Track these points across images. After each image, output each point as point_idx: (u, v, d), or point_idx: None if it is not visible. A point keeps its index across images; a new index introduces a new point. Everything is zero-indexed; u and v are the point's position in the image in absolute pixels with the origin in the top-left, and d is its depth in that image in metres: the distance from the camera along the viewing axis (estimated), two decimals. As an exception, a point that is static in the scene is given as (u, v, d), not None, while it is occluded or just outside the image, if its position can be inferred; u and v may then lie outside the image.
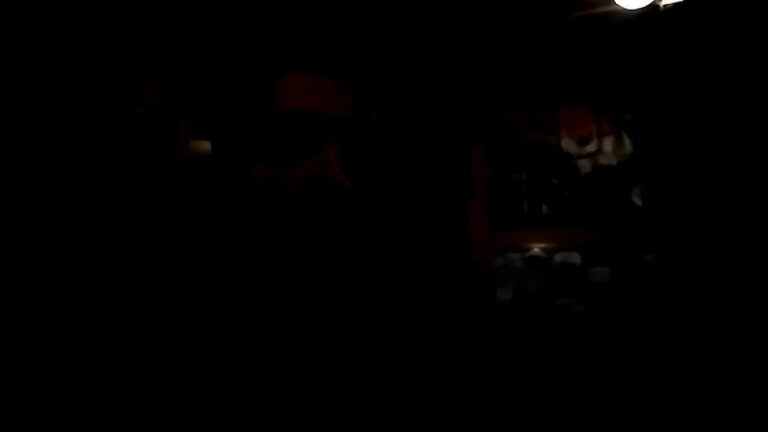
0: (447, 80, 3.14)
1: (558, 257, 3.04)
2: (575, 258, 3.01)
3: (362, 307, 0.85)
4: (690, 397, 2.58)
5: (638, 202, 2.94)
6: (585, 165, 3.06)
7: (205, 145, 2.17)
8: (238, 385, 0.64)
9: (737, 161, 2.75)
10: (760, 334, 2.56)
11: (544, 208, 3.10)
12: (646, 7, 2.52)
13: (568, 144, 3.10)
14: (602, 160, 3.04)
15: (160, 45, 2.03)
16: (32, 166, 1.75)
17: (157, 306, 0.66)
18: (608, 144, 3.04)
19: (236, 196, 0.68)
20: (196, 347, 0.64)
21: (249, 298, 0.70)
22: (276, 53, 0.72)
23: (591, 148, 3.06)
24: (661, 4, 2.50)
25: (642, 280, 2.86)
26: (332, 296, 0.79)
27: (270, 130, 0.66)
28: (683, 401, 2.59)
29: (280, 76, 0.69)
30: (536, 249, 3.08)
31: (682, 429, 2.55)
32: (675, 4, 2.49)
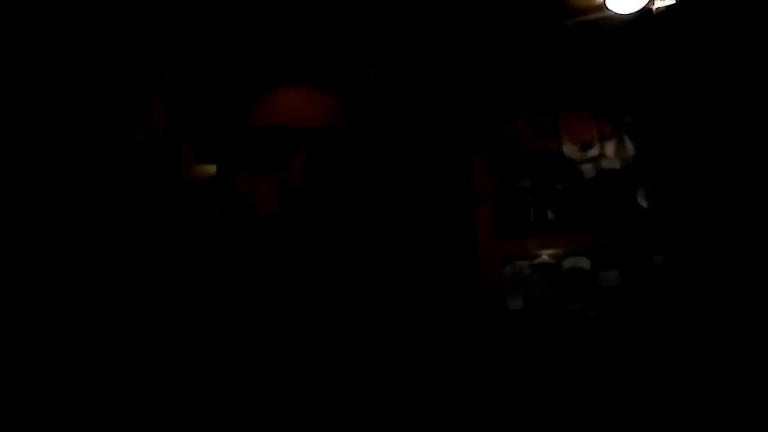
0: (447, 93, 3.17)
1: (567, 263, 3.03)
2: (584, 263, 3.00)
3: (373, 321, 0.86)
4: (702, 398, 2.55)
5: (643, 203, 2.93)
6: (588, 170, 3.07)
7: (211, 169, 2.21)
8: (238, 395, 0.65)
9: (738, 159, 2.74)
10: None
11: (550, 215, 3.10)
12: (640, 11, 2.54)
13: (570, 149, 3.11)
14: (605, 163, 3.04)
15: (160, 70, 2.07)
16: (43, 189, 1.79)
17: (156, 321, 0.68)
18: (610, 147, 3.05)
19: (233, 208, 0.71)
20: (196, 357, 0.65)
21: (247, 313, 0.71)
22: (264, 67, 0.75)
23: (593, 152, 3.07)
24: (654, 7, 2.52)
25: (652, 282, 2.84)
26: (341, 309, 0.80)
27: (249, 143, 0.70)
28: (696, 402, 2.56)
29: (264, 93, 0.72)
30: (545, 256, 3.07)
31: (694, 430, 2.52)
32: (667, 7, 2.51)
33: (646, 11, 2.54)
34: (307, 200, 0.67)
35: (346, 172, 0.70)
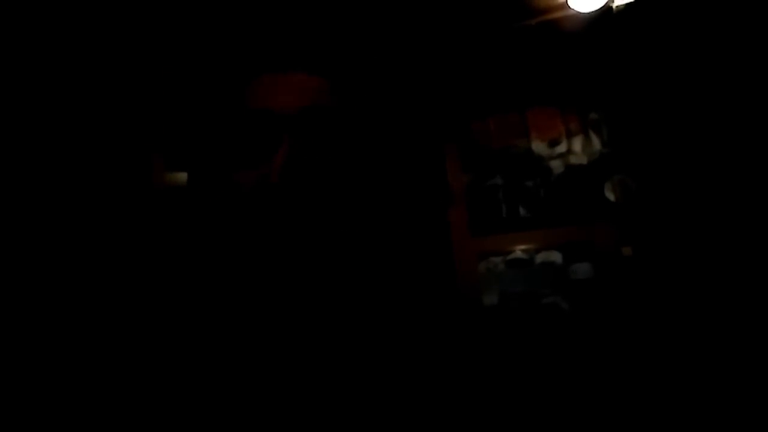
0: (417, 94, 3.20)
1: (539, 257, 3.09)
2: (556, 257, 3.06)
3: (348, 318, 0.87)
4: (675, 385, 2.62)
5: (611, 197, 3.00)
6: (557, 165, 3.13)
7: (181, 177, 2.19)
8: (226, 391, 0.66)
9: (702, 150, 2.83)
10: (735, 318, 2.62)
11: (522, 211, 3.15)
12: (600, 9, 2.61)
13: (538, 146, 3.17)
14: (573, 159, 3.11)
15: (137, 80, 2.05)
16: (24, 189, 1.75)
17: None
18: (577, 143, 3.11)
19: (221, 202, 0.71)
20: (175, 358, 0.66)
21: (220, 315, 0.72)
22: (244, 54, 0.76)
23: (561, 148, 3.13)
24: (614, 5, 2.59)
25: (622, 273, 2.91)
26: (315, 307, 0.81)
27: (238, 132, 0.69)
28: (668, 389, 2.63)
29: (250, 79, 0.73)
30: (518, 251, 3.13)
31: (669, 421, 2.59)
32: (627, 5, 2.58)
33: (606, 9, 2.61)
34: (287, 197, 0.67)
35: (324, 169, 0.71)
